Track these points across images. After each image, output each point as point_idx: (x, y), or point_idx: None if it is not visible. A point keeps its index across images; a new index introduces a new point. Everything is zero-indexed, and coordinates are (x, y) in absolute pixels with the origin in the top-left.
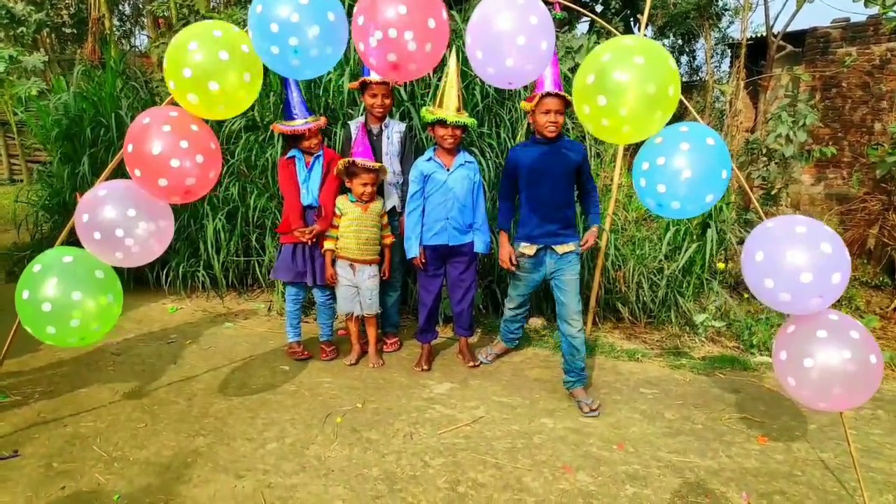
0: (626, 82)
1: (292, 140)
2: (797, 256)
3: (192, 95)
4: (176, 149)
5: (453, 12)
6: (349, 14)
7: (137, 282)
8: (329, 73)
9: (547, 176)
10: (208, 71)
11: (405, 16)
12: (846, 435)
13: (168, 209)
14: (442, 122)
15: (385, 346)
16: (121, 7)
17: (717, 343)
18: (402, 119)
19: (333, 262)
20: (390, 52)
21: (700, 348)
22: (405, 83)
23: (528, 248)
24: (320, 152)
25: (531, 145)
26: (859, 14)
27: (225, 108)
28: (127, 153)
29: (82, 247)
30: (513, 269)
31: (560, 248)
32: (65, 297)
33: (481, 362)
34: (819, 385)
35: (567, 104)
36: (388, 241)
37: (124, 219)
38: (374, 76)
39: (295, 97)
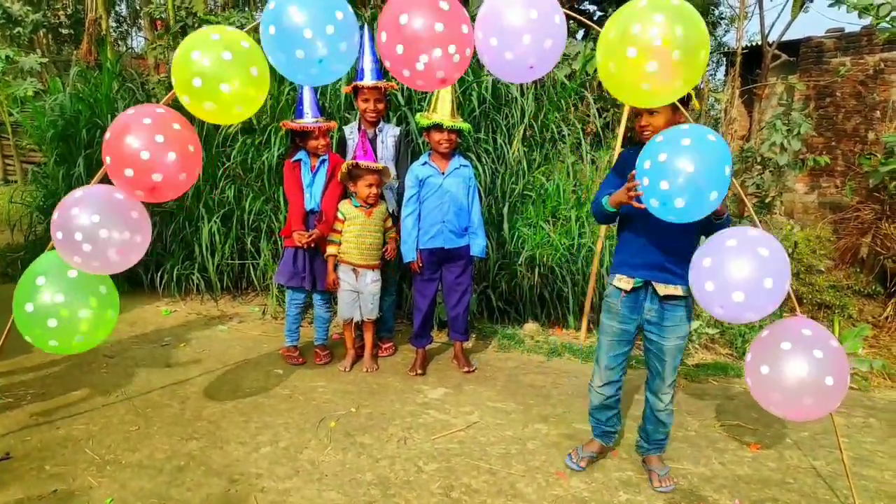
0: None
1: (299, 140)
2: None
3: (209, 103)
4: (150, 142)
5: None
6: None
7: (131, 284)
8: None
9: None
10: (217, 74)
11: (444, 32)
12: (838, 443)
13: (140, 222)
14: (438, 127)
15: (380, 351)
16: (118, 9)
17: (710, 350)
18: (399, 124)
19: (336, 267)
20: (438, 70)
21: (693, 355)
22: (402, 88)
23: (622, 282)
24: (325, 157)
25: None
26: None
27: (242, 107)
28: (105, 140)
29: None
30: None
31: (662, 289)
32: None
33: (567, 466)
34: (764, 391)
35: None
36: (392, 235)
37: (89, 224)
38: (367, 81)
39: (308, 96)
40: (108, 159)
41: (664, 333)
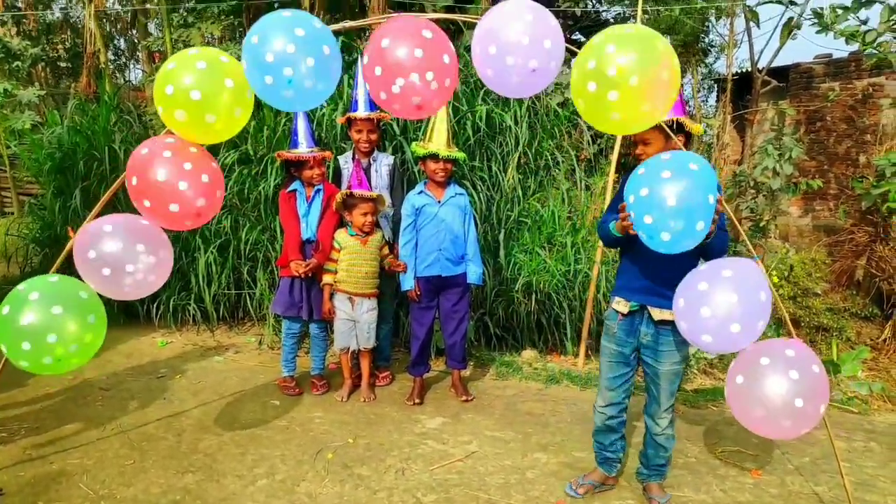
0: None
1: (294, 170)
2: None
3: (180, 112)
4: (181, 172)
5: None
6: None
7: (127, 315)
8: (323, 108)
9: None
10: (192, 83)
11: (423, 58)
12: (839, 468)
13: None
14: (433, 157)
15: (377, 380)
16: (116, 42)
17: (709, 375)
18: (394, 153)
19: (332, 296)
20: (414, 95)
21: (693, 380)
22: (396, 118)
23: (620, 305)
24: (320, 186)
25: None
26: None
27: (215, 117)
28: (131, 186)
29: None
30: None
31: (657, 313)
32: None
33: (567, 494)
34: (738, 403)
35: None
36: (391, 259)
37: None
38: (359, 113)
39: (302, 126)
40: (146, 203)
41: (659, 358)
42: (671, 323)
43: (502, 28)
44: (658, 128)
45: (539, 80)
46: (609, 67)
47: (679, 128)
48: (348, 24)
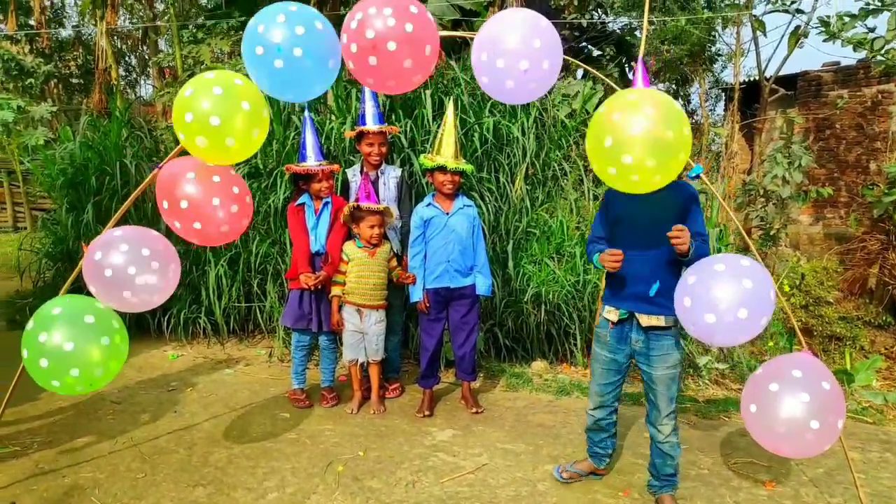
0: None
1: (302, 183)
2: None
3: (201, 138)
4: (210, 205)
5: (451, 61)
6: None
7: (138, 328)
8: (331, 122)
9: (637, 219)
10: (210, 109)
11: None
12: (854, 480)
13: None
14: (441, 169)
15: (387, 392)
16: (127, 58)
17: (720, 385)
18: (402, 165)
19: (340, 307)
20: (368, 28)
21: (704, 391)
22: (405, 131)
23: (611, 314)
24: (329, 199)
25: None
26: (849, 58)
27: (234, 141)
28: (164, 209)
29: (85, 293)
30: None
31: (645, 320)
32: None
33: (554, 476)
34: (757, 430)
35: None
36: (399, 271)
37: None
38: (370, 126)
39: (310, 139)
40: (177, 224)
41: (652, 363)
42: (661, 328)
43: (492, 34)
44: None
45: (534, 83)
46: (624, 156)
47: None
48: None
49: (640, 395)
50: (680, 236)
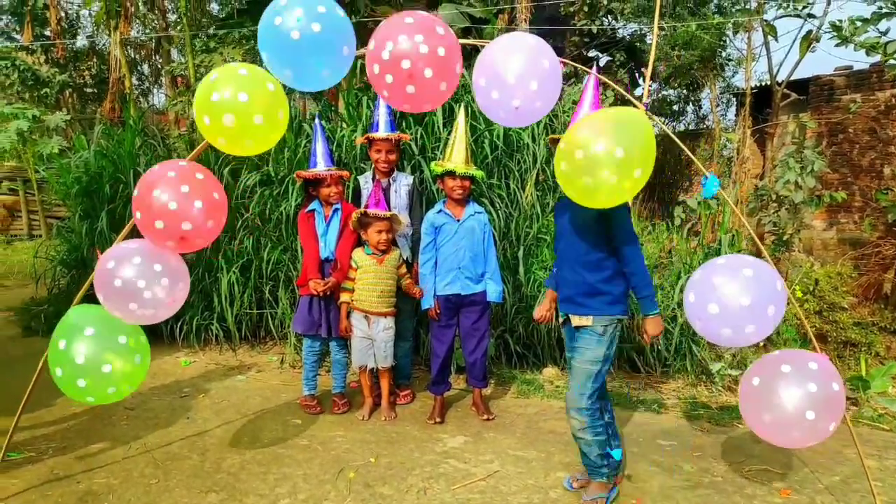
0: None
1: (312, 189)
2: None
3: (229, 116)
4: (177, 193)
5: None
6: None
7: (151, 335)
8: (342, 129)
9: (564, 227)
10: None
11: (412, 25)
12: (871, 487)
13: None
14: (451, 174)
15: (398, 399)
16: (140, 68)
17: (734, 392)
18: (413, 172)
19: (349, 314)
20: (404, 59)
21: (717, 397)
22: (415, 138)
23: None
24: (339, 206)
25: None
26: (861, 62)
27: (262, 119)
28: (133, 197)
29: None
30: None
31: (576, 320)
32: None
33: (563, 486)
34: (750, 404)
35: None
36: (408, 280)
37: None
38: (379, 133)
39: (320, 146)
40: (138, 214)
41: (574, 353)
42: (588, 327)
43: (495, 64)
44: None
45: (525, 117)
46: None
47: None
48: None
49: (652, 402)
50: (646, 331)
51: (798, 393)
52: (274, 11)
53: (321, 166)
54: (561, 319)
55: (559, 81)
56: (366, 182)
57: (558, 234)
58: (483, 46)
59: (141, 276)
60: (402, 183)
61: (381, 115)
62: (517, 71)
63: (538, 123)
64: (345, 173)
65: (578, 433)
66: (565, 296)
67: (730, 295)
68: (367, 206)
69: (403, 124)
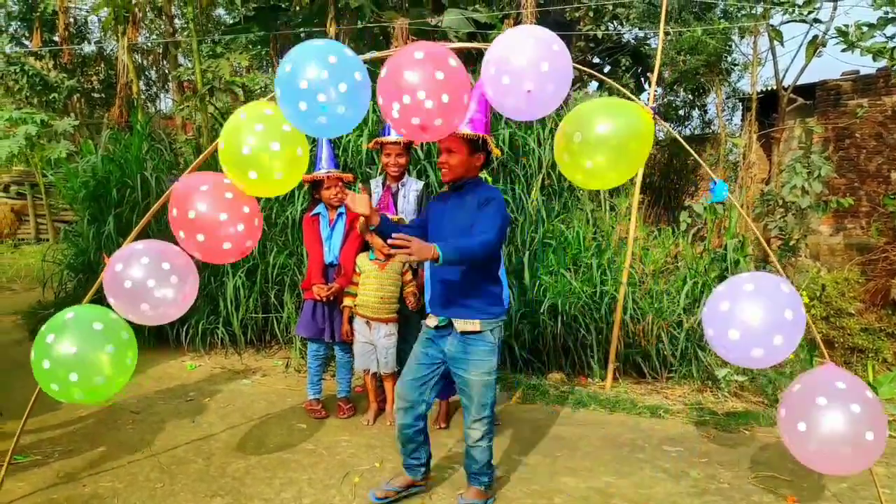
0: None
1: (315, 192)
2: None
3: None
4: (233, 226)
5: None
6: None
7: (157, 339)
8: (348, 134)
9: (439, 229)
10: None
11: (419, 81)
12: (878, 495)
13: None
14: None
15: None
16: (147, 73)
17: (740, 398)
18: (419, 177)
19: (351, 318)
20: (413, 116)
21: (723, 403)
22: (421, 143)
23: (431, 320)
24: (343, 210)
25: (446, 193)
26: (868, 67)
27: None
28: (173, 217)
29: (105, 304)
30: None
31: (461, 325)
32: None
33: (369, 499)
34: (810, 451)
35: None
36: (410, 289)
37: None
38: (392, 136)
39: (325, 151)
40: (181, 234)
41: (468, 367)
42: (476, 333)
43: (504, 50)
44: (465, 140)
45: (538, 104)
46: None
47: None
48: (375, 54)
49: (658, 408)
50: (398, 244)
51: (847, 420)
52: (294, 96)
53: (323, 169)
54: (433, 324)
55: (570, 65)
56: (376, 186)
57: (435, 232)
58: (486, 49)
59: (150, 275)
60: (412, 188)
61: None
62: (527, 54)
63: (543, 127)
64: (345, 176)
65: (479, 442)
66: (448, 300)
67: (743, 315)
68: None
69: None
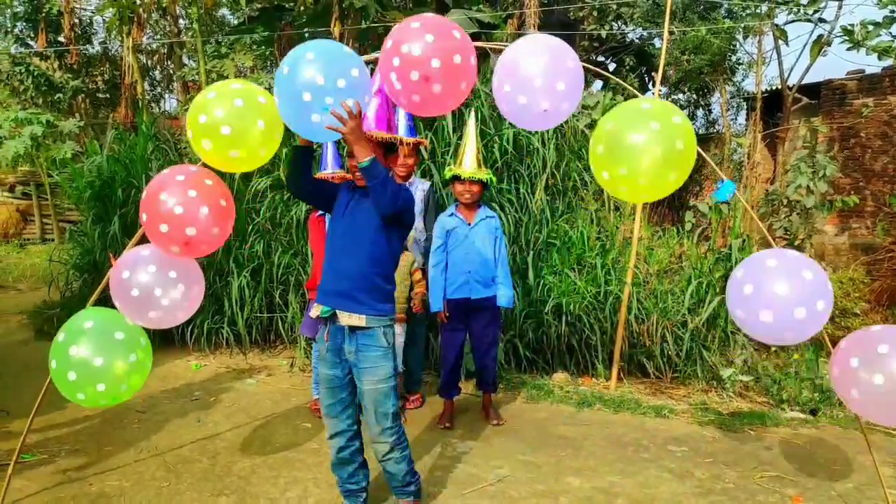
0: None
1: None
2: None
3: (207, 141)
4: (183, 197)
5: None
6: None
7: (163, 339)
8: None
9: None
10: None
11: (418, 30)
12: (885, 495)
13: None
14: (459, 179)
15: (407, 403)
16: (152, 73)
17: (745, 398)
18: (422, 176)
19: None
20: (412, 70)
21: (728, 403)
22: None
23: (315, 309)
24: None
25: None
26: (874, 66)
27: (239, 153)
28: (142, 199)
29: (112, 305)
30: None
31: (345, 318)
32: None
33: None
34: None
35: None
36: (419, 289)
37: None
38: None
39: (330, 151)
40: (144, 216)
41: (361, 376)
42: (364, 330)
43: (518, 66)
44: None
45: (551, 119)
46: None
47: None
48: (376, 55)
49: (663, 408)
50: (338, 115)
51: None
52: (296, 94)
53: (328, 169)
54: (315, 313)
55: (581, 81)
56: None
57: (338, 220)
58: (491, 49)
59: (157, 284)
60: (419, 188)
61: (401, 121)
62: (543, 73)
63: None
64: (349, 176)
65: (388, 456)
66: (337, 289)
67: (766, 290)
68: None
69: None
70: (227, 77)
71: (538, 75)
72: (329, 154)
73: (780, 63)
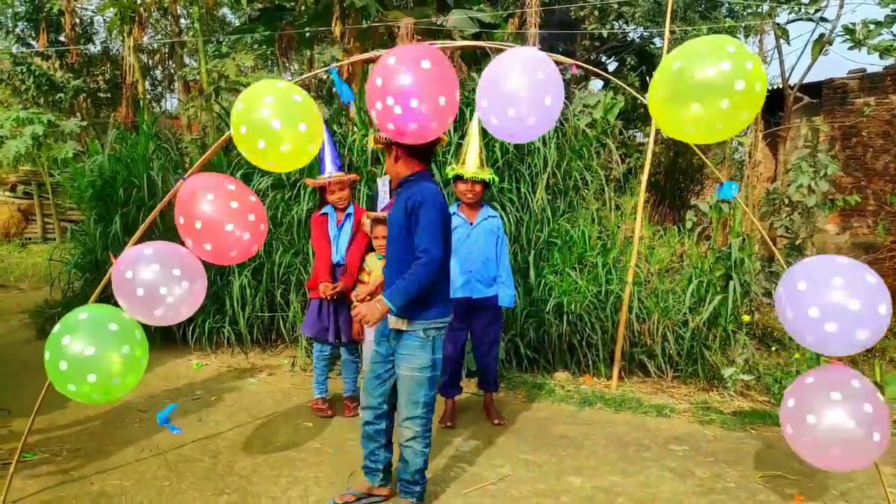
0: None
1: (321, 193)
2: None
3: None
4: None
5: (472, 73)
6: None
7: (164, 338)
8: (353, 134)
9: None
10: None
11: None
12: (886, 494)
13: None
14: (461, 178)
15: None
16: (153, 73)
17: (746, 397)
18: None
19: None
20: (387, 122)
21: (729, 403)
22: None
23: None
24: (351, 210)
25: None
26: (875, 65)
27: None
28: (181, 224)
29: (112, 303)
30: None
31: (393, 322)
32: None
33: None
34: (812, 444)
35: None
36: None
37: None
38: None
39: (328, 151)
40: (188, 242)
41: (399, 361)
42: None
43: (502, 82)
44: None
45: (535, 131)
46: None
47: None
48: (357, 57)
49: (664, 407)
50: (360, 314)
51: (854, 418)
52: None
53: (327, 172)
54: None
55: (562, 91)
56: (383, 185)
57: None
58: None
59: (162, 282)
60: None
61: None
62: (526, 90)
63: None
64: (346, 178)
65: (409, 443)
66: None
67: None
68: (384, 212)
69: None
70: (227, 77)
71: (524, 90)
72: (327, 157)
73: (781, 62)
